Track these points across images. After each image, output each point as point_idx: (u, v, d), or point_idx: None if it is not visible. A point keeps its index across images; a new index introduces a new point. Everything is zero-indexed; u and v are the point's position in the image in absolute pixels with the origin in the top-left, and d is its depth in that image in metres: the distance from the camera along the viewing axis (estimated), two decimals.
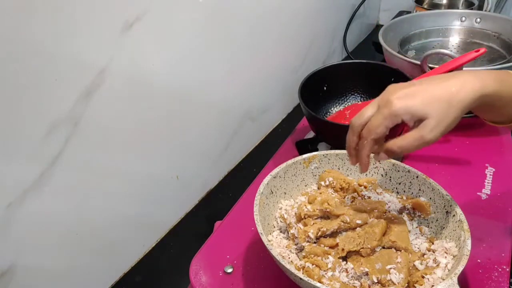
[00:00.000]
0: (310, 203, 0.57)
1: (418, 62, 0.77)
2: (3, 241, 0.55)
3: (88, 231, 0.67)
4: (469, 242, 0.47)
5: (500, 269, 0.54)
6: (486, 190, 0.67)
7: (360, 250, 0.50)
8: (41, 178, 0.56)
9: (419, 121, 0.43)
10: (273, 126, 1.11)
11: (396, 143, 0.44)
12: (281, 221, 0.58)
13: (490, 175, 0.70)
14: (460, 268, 0.44)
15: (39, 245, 0.60)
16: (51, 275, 0.63)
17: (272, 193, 0.57)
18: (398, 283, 0.47)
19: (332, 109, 0.84)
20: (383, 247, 0.51)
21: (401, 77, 0.76)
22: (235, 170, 0.98)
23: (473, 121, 0.85)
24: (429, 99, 0.42)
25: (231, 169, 0.98)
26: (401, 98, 0.42)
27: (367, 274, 0.49)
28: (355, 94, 0.84)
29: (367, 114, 0.45)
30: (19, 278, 0.58)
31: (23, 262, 0.58)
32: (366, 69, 0.81)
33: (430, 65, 0.77)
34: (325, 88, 0.82)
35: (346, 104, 0.84)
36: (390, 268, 0.48)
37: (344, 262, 0.51)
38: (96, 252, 0.70)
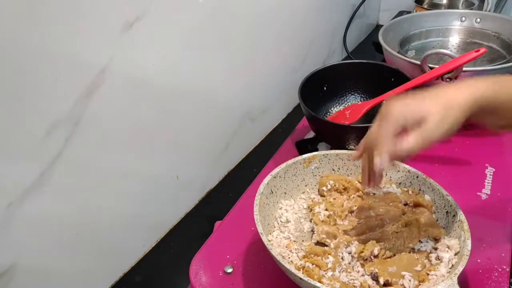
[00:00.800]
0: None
1: (418, 62, 0.77)
2: (3, 241, 0.55)
3: (88, 231, 0.67)
4: (469, 242, 0.47)
5: (500, 269, 0.54)
6: (486, 190, 0.67)
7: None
8: (41, 178, 0.56)
9: (418, 124, 0.43)
10: (273, 126, 1.11)
11: (401, 145, 0.45)
12: (281, 221, 0.58)
13: (490, 175, 0.70)
14: (460, 268, 0.44)
15: (39, 245, 0.60)
16: (51, 275, 0.63)
17: (272, 193, 0.57)
18: (409, 287, 0.47)
19: (332, 109, 0.84)
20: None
21: (401, 77, 0.76)
22: (235, 170, 0.98)
23: (473, 121, 0.85)
24: (426, 100, 0.43)
25: (231, 169, 0.98)
26: (397, 105, 0.44)
27: (375, 275, 0.49)
28: (355, 94, 0.84)
29: (373, 131, 0.46)
30: (19, 278, 0.58)
31: (23, 262, 0.58)
32: (366, 69, 0.82)
33: (430, 65, 0.77)
34: (325, 88, 0.82)
35: (346, 104, 0.84)
36: (405, 274, 0.48)
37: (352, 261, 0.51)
38: (96, 252, 0.70)
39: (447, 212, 0.53)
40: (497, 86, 0.45)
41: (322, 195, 0.62)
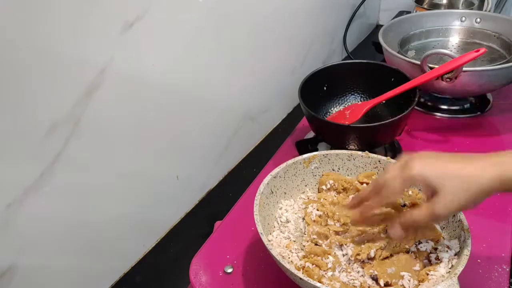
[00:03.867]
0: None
1: (418, 62, 0.77)
2: (3, 241, 0.55)
3: (88, 231, 0.67)
4: (469, 242, 0.47)
5: (500, 269, 0.54)
6: None
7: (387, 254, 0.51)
8: (41, 178, 0.56)
9: (432, 195, 0.44)
10: (273, 126, 1.11)
11: (411, 215, 0.46)
12: (281, 221, 0.58)
13: None
14: (460, 268, 0.44)
15: (39, 245, 0.60)
16: (51, 275, 0.63)
17: (272, 193, 0.57)
18: (409, 287, 0.47)
19: (332, 109, 0.84)
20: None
21: (401, 77, 0.76)
22: (235, 170, 0.98)
23: (473, 121, 0.85)
24: (445, 174, 0.42)
25: (231, 169, 0.98)
26: (420, 164, 0.43)
27: (375, 277, 0.49)
28: (355, 94, 0.84)
29: (388, 175, 0.46)
30: (19, 278, 0.58)
31: (23, 262, 0.58)
32: (366, 69, 0.81)
33: (430, 65, 0.77)
34: (325, 88, 0.82)
35: (346, 104, 0.84)
36: (404, 275, 0.48)
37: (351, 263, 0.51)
38: (96, 252, 0.70)
39: None
40: None
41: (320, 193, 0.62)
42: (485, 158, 0.43)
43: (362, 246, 0.51)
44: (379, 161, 0.60)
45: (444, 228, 0.53)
